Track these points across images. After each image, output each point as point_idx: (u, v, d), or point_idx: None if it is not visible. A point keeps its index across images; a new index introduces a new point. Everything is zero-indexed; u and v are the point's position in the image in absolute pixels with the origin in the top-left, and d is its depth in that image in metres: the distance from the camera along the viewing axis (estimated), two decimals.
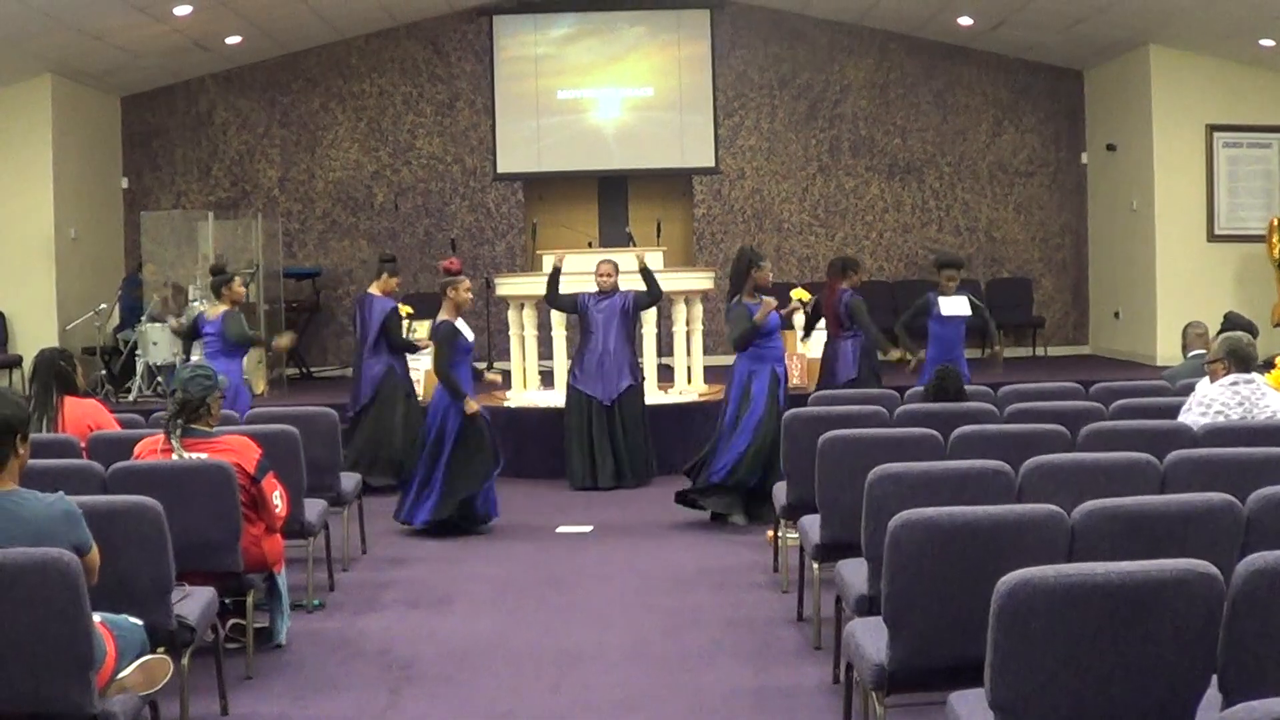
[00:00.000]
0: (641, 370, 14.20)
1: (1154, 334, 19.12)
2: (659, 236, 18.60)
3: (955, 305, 12.95)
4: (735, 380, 11.91)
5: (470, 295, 11.91)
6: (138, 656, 5.54)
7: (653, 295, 13.86)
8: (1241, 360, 8.58)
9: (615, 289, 13.79)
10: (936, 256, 14.04)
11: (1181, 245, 19.26)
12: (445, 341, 11.53)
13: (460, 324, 11.60)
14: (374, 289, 14.02)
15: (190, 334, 13.13)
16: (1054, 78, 21.74)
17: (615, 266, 13.85)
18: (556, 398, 14.52)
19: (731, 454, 11.50)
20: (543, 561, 10.58)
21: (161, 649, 5.92)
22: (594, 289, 13.79)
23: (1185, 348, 11.86)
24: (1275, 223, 18.51)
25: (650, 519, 12.15)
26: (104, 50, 18.05)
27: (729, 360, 20.28)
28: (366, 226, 21.49)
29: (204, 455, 7.48)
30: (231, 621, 7.71)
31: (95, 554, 5.48)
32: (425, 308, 15.25)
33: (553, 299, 13.89)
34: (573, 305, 13.90)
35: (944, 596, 5.25)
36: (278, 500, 7.73)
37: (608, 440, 13.66)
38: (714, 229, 21.71)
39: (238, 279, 12.99)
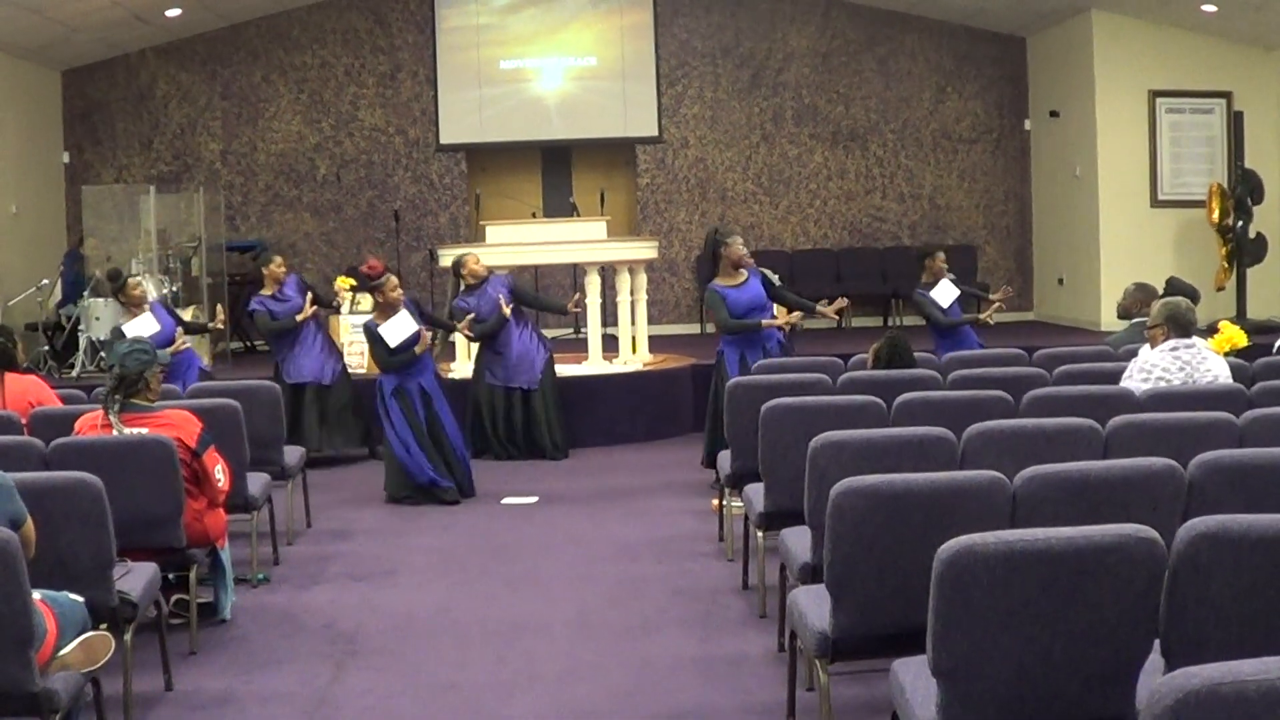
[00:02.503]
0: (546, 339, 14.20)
1: (1098, 300, 19.21)
2: (603, 206, 18.60)
3: (945, 292, 12.82)
4: (729, 365, 11.67)
5: (398, 293, 11.82)
6: (79, 634, 5.51)
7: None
8: (1181, 326, 8.60)
9: (485, 279, 13.60)
10: (921, 251, 13.60)
11: (1124, 211, 19.34)
12: (372, 341, 11.69)
13: (400, 318, 11.65)
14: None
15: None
16: (997, 44, 21.78)
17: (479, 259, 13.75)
18: None
19: None
20: (488, 533, 10.57)
21: (103, 626, 5.90)
22: (470, 281, 13.55)
23: (1127, 312, 11.84)
24: (1215, 188, 18.59)
25: (596, 490, 12.14)
26: (43, 24, 17.88)
27: (674, 330, 20.45)
28: (309, 199, 21.38)
29: (144, 430, 7.43)
30: (175, 597, 7.68)
31: (30, 526, 5.45)
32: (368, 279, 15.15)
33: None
34: (453, 315, 13.46)
35: (886, 564, 5.26)
36: (220, 474, 7.69)
37: (524, 421, 13.66)
38: (658, 198, 21.68)
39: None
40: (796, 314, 11.83)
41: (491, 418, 13.59)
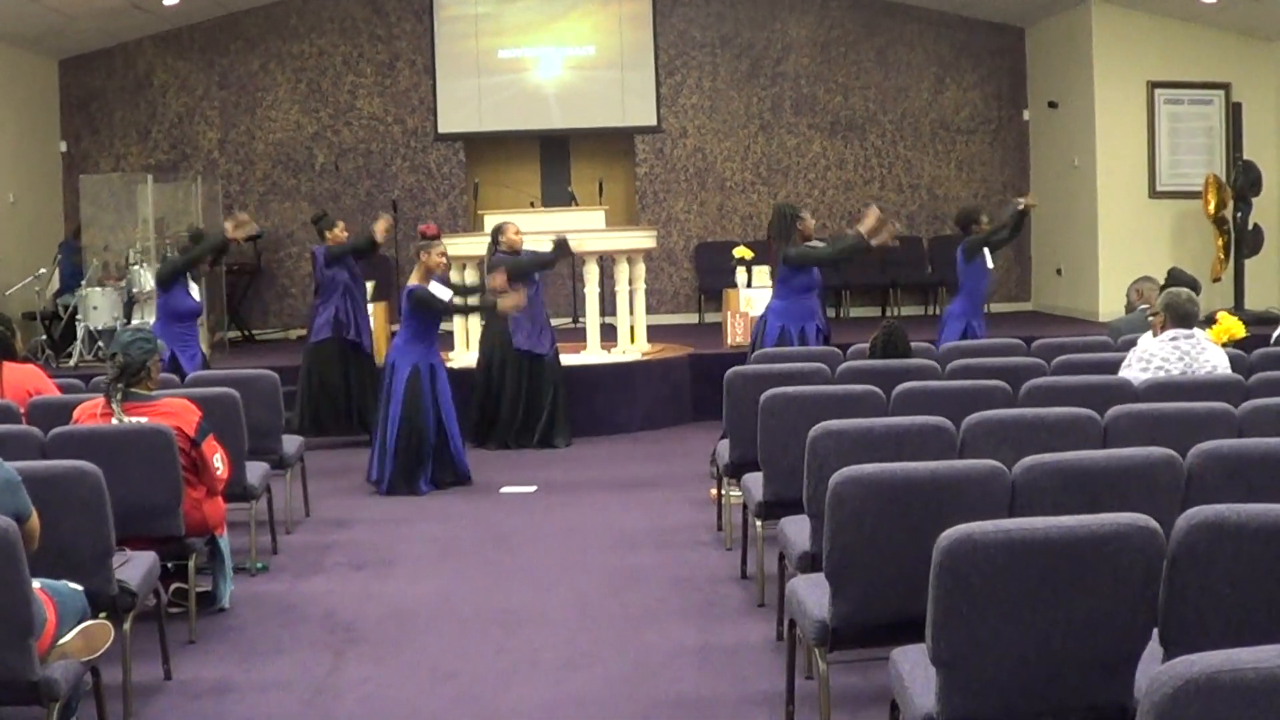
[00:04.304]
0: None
1: (1096, 290, 19.20)
2: (601, 196, 18.63)
3: (987, 259, 12.97)
4: (768, 333, 11.85)
5: (444, 260, 11.93)
6: (79, 622, 5.51)
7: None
8: (1181, 316, 8.61)
9: (519, 251, 13.62)
10: (960, 215, 13.65)
11: (1123, 202, 19.33)
12: (423, 303, 11.74)
13: (433, 286, 11.69)
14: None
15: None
16: (996, 34, 21.76)
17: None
18: None
19: None
20: (486, 522, 10.57)
21: (103, 614, 5.91)
22: (505, 250, 13.54)
23: (1132, 306, 11.84)
24: (1211, 179, 18.58)
25: (595, 479, 12.15)
26: (40, 13, 17.85)
27: (672, 319, 20.44)
28: (307, 188, 21.36)
29: (144, 419, 7.43)
30: (174, 586, 7.69)
31: (35, 520, 5.45)
32: (366, 268, 15.13)
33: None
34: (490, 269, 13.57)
35: (886, 553, 5.26)
36: (219, 463, 7.69)
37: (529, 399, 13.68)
38: (656, 188, 21.66)
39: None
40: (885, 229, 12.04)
41: (498, 397, 13.55)
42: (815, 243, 12.28)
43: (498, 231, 13.61)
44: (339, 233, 13.95)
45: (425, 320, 11.74)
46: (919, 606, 4.41)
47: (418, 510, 11.06)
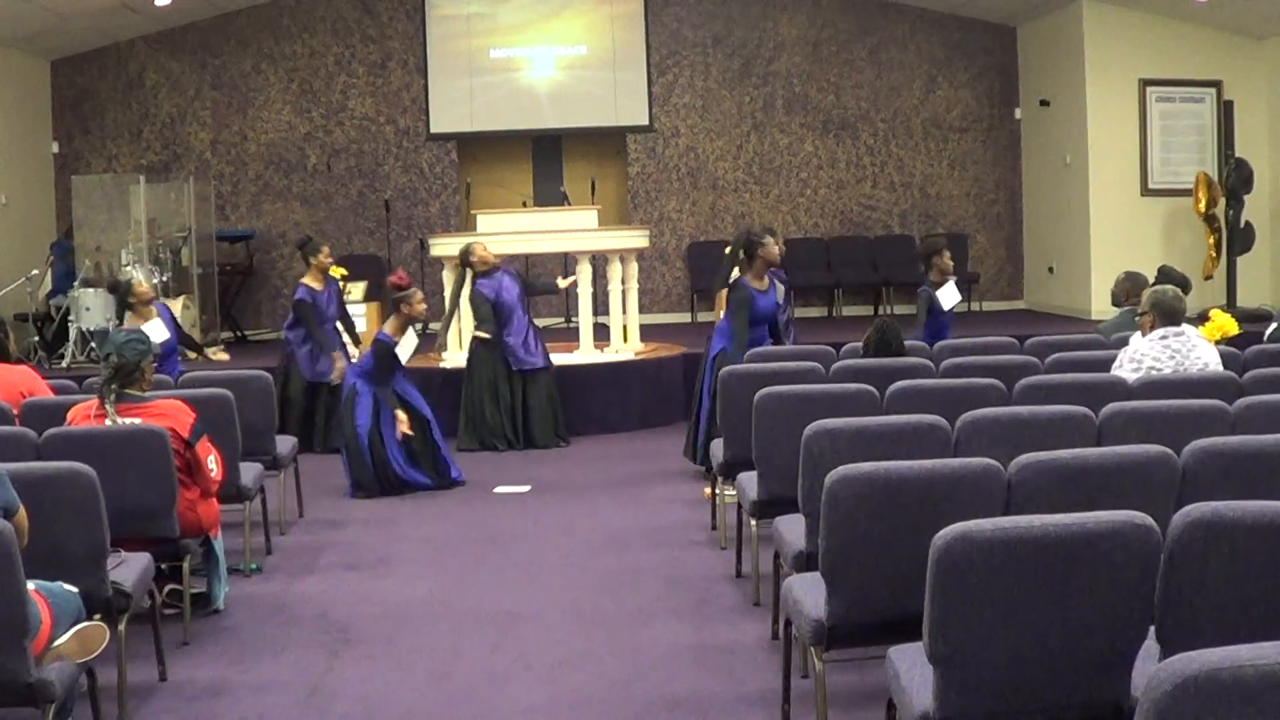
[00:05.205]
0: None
1: (1088, 288, 19.20)
2: (593, 195, 18.64)
3: (949, 295, 12.53)
4: (710, 352, 11.62)
5: (424, 307, 11.85)
6: (73, 624, 5.51)
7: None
8: (1168, 314, 8.61)
9: (497, 267, 13.67)
10: (923, 245, 13.36)
11: (1115, 200, 19.36)
12: (383, 358, 11.63)
13: (406, 339, 11.66)
14: (307, 280, 13.88)
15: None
16: (987, 33, 21.77)
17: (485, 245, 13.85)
18: None
19: None
20: (480, 522, 10.57)
21: (97, 616, 5.90)
22: (481, 268, 13.57)
23: (1117, 300, 11.84)
24: (1201, 177, 18.60)
25: (588, 478, 12.15)
26: (33, 12, 17.84)
27: (665, 319, 20.45)
28: (299, 189, 21.35)
29: (138, 420, 7.42)
30: (168, 587, 7.68)
31: (23, 515, 5.45)
32: (358, 268, 15.21)
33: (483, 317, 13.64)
34: (489, 300, 13.63)
35: (881, 551, 5.27)
36: (213, 464, 7.69)
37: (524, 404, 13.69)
38: (648, 187, 21.66)
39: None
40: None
41: (495, 403, 13.55)
42: (764, 283, 11.67)
43: (466, 253, 13.55)
44: (324, 258, 13.78)
45: (383, 370, 11.68)
46: (915, 605, 4.42)
47: (411, 511, 11.05)
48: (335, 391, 13.02)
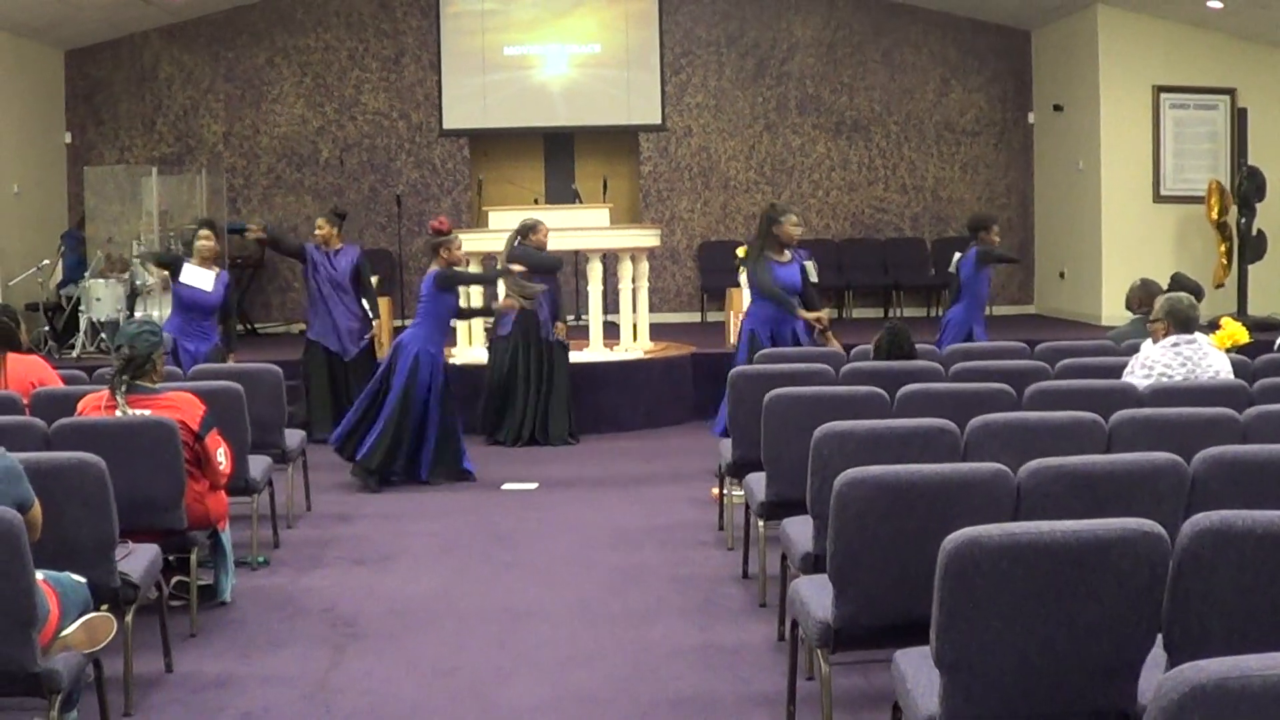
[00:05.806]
0: None
1: (1099, 294, 19.20)
2: (605, 193, 18.62)
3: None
4: (741, 338, 11.98)
5: (463, 253, 11.92)
6: (81, 614, 5.52)
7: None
8: (1181, 321, 8.60)
9: None
10: (972, 218, 13.41)
11: (1127, 206, 19.33)
12: (449, 281, 11.79)
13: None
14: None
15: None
16: (1002, 37, 21.75)
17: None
18: None
19: None
20: (488, 518, 10.57)
21: (105, 607, 5.90)
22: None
23: (1129, 305, 11.82)
24: (1214, 185, 18.58)
25: (596, 476, 12.15)
26: (47, 3, 17.86)
27: (675, 318, 20.45)
28: (311, 182, 21.36)
29: (148, 412, 7.43)
30: (175, 579, 7.69)
31: (37, 510, 5.45)
32: (369, 263, 15.12)
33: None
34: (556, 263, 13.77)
35: (889, 555, 5.26)
36: (222, 457, 7.69)
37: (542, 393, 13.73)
38: (660, 186, 21.66)
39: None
40: (825, 314, 11.89)
41: (513, 388, 13.57)
42: (784, 255, 11.95)
43: (530, 230, 13.41)
44: (319, 231, 14.22)
45: (443, 310, 11.69)
46: (922, 609, 4.41)
47: (419, 506, 11.06)
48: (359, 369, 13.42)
